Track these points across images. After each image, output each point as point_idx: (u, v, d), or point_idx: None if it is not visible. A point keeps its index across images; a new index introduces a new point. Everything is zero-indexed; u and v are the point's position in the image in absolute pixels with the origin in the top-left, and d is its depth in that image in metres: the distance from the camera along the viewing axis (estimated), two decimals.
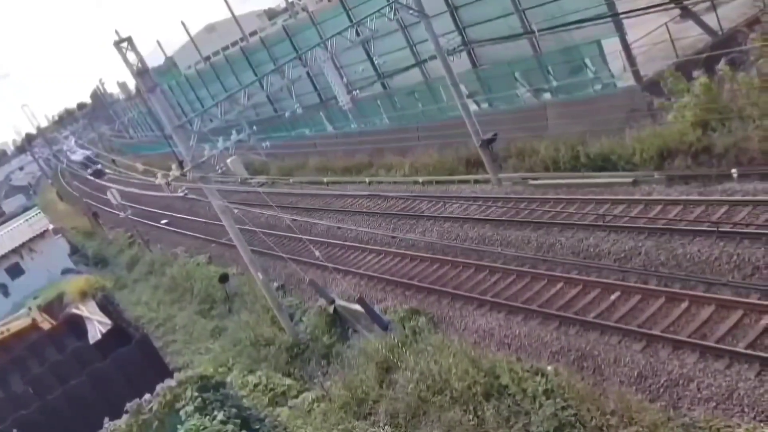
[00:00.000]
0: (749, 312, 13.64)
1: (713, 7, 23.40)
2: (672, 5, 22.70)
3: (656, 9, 21.74)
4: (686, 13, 23.90)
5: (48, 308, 36.03)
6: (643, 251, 17.17)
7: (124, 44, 19.53)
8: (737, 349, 12.84)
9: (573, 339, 15.55)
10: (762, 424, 11.37)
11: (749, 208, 16.67)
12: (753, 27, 20.86)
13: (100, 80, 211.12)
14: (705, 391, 12.53)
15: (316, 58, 23.89)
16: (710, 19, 23.35)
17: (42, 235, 45.27)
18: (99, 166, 67.61)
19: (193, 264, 34.58)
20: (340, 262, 25.53)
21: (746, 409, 11.79)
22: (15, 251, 44.02)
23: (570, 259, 18.37)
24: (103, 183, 55.23)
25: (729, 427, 11.54)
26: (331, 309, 21.65)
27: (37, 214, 51.55)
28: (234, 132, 21.56)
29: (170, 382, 15.74)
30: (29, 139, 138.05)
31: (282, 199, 35.60)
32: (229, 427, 14.93)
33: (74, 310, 33.89)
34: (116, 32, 19.61)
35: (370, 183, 32.81)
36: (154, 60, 71.50)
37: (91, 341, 28.41)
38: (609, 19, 23.11)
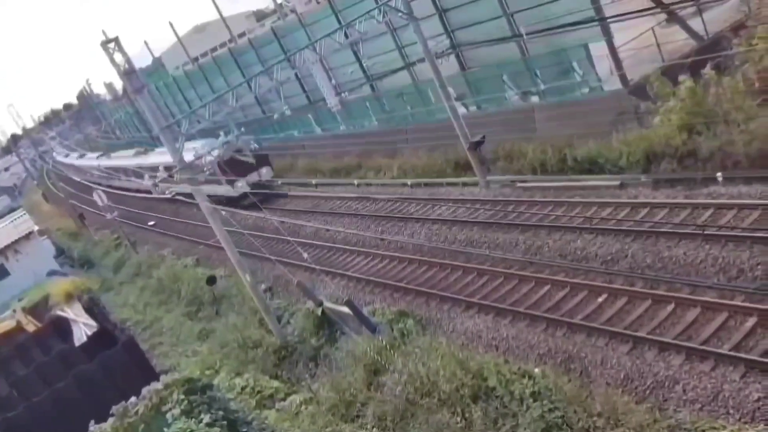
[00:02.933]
0: (734, 314, 13.76)
1: (699, 12, 23.60)
2: (658, 10, 22.87)
3: (643, 13, 21.89)
4: (672, 18, 24.07)
5: (33, 310, 35.68)
6: (630, 254, 17.29)
7: (111, 44, 19.40)
8: (722, 351, 12.95)
9: (560, 341, 15.62)
10: (747, 426, 11.47)
11: (734, 211, 16.84)
12: (738, 32, 21.07)
13: (87, 81, 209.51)
14: (691, 393, 12.62)
15: (304, 60, 23.88)
16: (696, 24, 23.56)
17: (27, 237, 44.92)
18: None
19: (180, 266, 34.41)
20: (328, 264, 25.50)
21: (731, 411, 11.89)
22: (0, 253, 43.62)
23: (557, 261, 18.44)
24: (90, 185, 54.50)
25: (714, 428, 11.62)
26: (319, 311, 21.59)
27: (22, 216, 51.14)
28: (222, 133, 21.48)
29: (156, 385, 15.61)
30: (15, 139, 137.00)
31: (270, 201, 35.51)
32: (216, 429, 14.82)
33: (59, 313, 33.58)
34: (103, 32, 19.55)
35: (358, 185, 32.81)
36: (141, 61, 71.19)
37: (77, 343, 28.15)
38: (596, 22, 23.27)
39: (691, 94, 19.82)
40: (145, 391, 15.46)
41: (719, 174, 18.64)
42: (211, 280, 28.68)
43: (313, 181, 36.47)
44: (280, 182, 37.64)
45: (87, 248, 50.69)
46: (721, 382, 12.43)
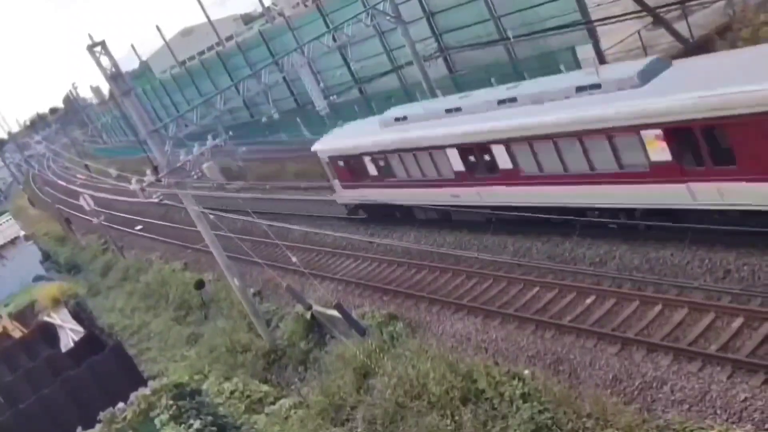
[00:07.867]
0: (721, 315, 13.86)
1: (684, 15, 23.81)
2: (644, 13, 23.04)
3: (629, 17, 22.07)
4: (658, 21, 24.27)
5: (19, 316, 35.36)
6: (618, 255, 17.37)
7: (98, 48, 19.33)
8: (710, 352, 13.04)
9: (549, 343, 15.67)
10: (734, 426, 11.55)
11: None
12: (723, 35, 21.27)
13: (73, 84, 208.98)
14: (679, 394, 12.69)
15: (292, 63, 23.90)
16: (682, 27, 23.75)
17: (13, 242, 44.56)
18: None
19: (168, 270, 34.21)
20: (317, 268, 25.45)
21: (719, 411, 11.96)
22: None
23: (546, 263, 18.51)
24: (77, 188, 54.11)
25: (702, 428, 11.69)
26: (308, 315, 21.56)
27: (8, 220, 50.70)
28: (210, 137, 21.40)
29: (145, 390, 15.55)
30: (0, 144, 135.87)
31: (259, 205, 35.36)
32: None
33: (46, 318, 33.30)
34: (90, 36, 19.44)
35: None
36: (128, 64, 70.93)
37: (64, 349, 27.92)
38: (583, 26, 23.43)
39: None
40: (133, 396, 15.40)
41: None
42: (200, 285, 28.55)
43: (302, 185, 36.30)
44: (268, 186, 37.62)
45: (74, 253, 50.30)
46: (709, 383, 12.51)
